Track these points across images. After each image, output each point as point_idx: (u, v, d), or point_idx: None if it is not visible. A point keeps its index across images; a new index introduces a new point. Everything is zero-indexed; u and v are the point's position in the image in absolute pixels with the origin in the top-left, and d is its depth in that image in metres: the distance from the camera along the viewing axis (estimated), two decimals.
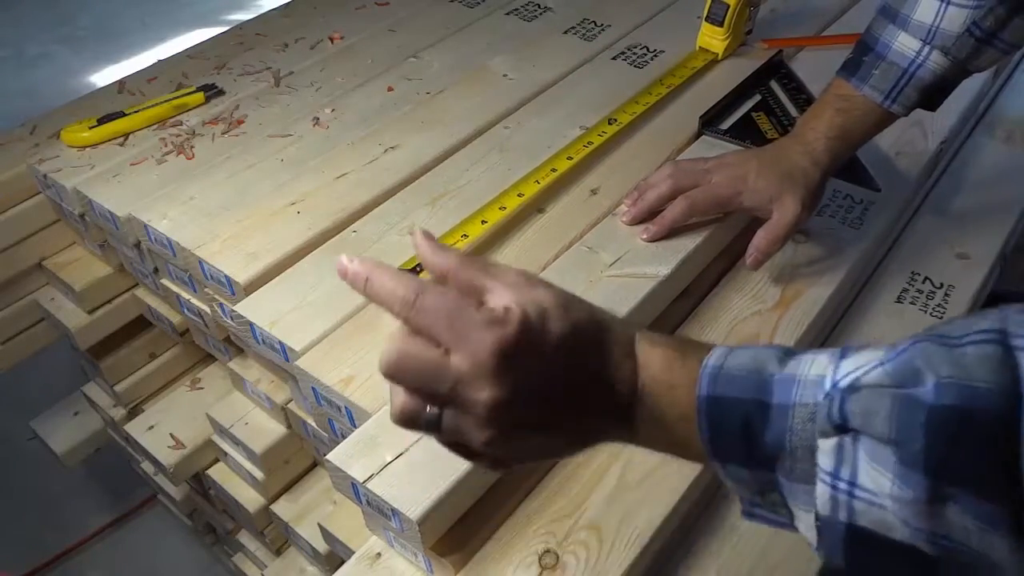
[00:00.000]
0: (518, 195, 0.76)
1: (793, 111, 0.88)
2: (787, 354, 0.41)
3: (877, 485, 0.36)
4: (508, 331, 0.38)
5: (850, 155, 0.75)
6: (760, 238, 0.71)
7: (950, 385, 0.35)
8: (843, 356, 0.39)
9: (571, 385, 0.40)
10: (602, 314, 0.43)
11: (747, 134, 0.85)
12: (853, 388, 0.37)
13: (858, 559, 0.38)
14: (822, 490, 0.38)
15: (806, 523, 0.39)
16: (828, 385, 0.38)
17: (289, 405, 0.80)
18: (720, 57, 0.96)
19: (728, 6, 0.93)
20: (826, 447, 0.38)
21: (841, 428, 0.37)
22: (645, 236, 0.73)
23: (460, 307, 0.39)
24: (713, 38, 0.96)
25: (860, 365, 0.38)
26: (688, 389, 0.41)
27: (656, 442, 0.43)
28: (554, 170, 0.79)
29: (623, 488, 0.61)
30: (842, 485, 0.37)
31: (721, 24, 0.94)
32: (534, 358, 0.39)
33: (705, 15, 0.95)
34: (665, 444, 0.43)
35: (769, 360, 0.41)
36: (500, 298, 0.39)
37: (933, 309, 0.80)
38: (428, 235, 0.42)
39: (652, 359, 0.42)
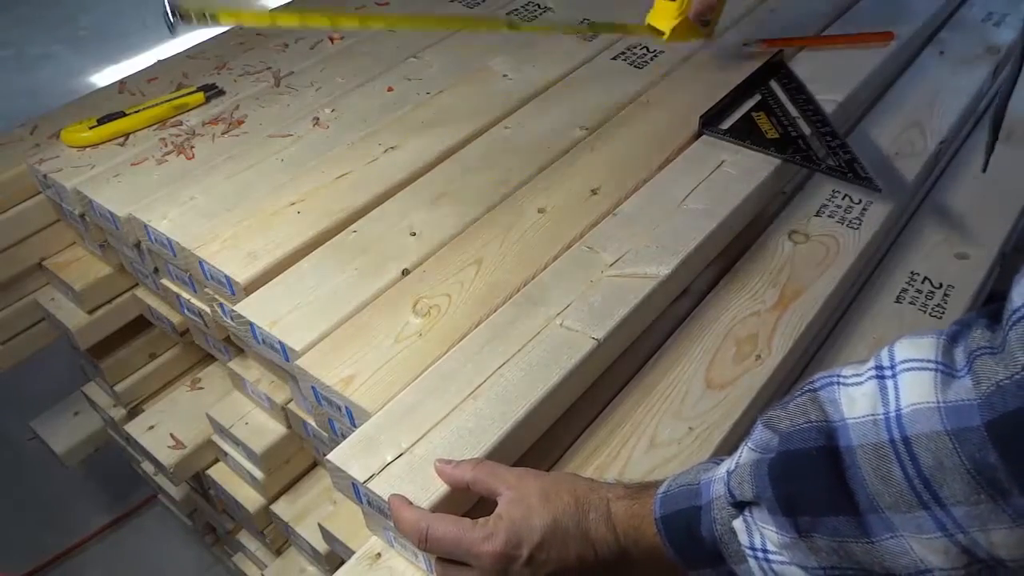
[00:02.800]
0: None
1: (793, 111, 0.88)
2: (717, 461, 0.50)
3: (772, 542, 0.44)
4: (497, 543, 0.49)
5: None
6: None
7: (783, 436, 0.44)
8: (742, 447, 0.47)
9: (563, 563, 0.50)
10: (584, 489, 0.52)
11: (747, 134, 0.85)
12: (735, 469, 0.46)
13: None
14: (752, 564, 0.45)
15: None
16: (726, 475, 0.47)
17: (289, 405, 0.80)
18: (666, 38, 0.83)
19: None
20: (739, 526, 0.46)
21: (738, 505, 0.46)
22: None
23: (460, 531, 0.50)
24: (664, 17, 0.83)
25: (741, 451, 0.47)
26: (649, 521, 0.49)
27: (656, 573, 0.51)
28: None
29: None
30: (759, 554, 0.45)
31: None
32: (524, 553, 0.49)
33: None
34: (664, 571, 0.50)
35: (700, 470, 0.50)
36: (499, 505, 0.52)
37: (932, 309, 0.80)
38: (444, 461, 0.55)
39: (619, 512, 0.51)
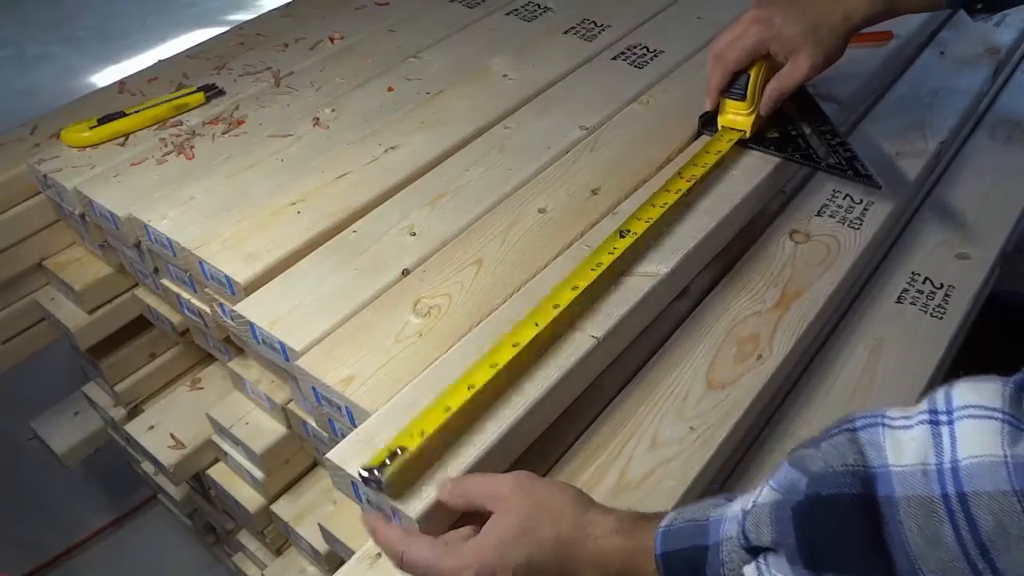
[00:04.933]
0: (512, 345, 0.62)
1: (793, 110, 0.88)
2: (729, 498, 0.46)
3: None
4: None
5: (886, 19, 0.75)
6: (769, 88, 0.77)
7: (813, 478, 0.39)
8: (761, 485, 0.44)
9: None
10: (569, 525, 0.49)
11: None
12: (752, 509, 0.42)
13: None
14: None
15: None
16: (741, 515, 0.43)
17: (289, 405, 0.80)
18: (748, 134, 0.81)
19: (749, 76, 0.78)
20: (750, 573, 0.41)
21: (751, 550, 0.42)
22: None
23: (435, 558, 0.50)
24: (737, 114, 0.80)
25: (760, 490, 0.43)
26: (648, 557, 0.46)
27: None
28: (556, 306, 0.64)
29: (623, 488, 0.61)
30: None
31: (744, 98, 0.79)
32: None
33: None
34: None
35: (710, 507, 0.46)
36: (486, 524, 0.50)
37: (933, 310, 0.80)
38: (449, 484, 0.53)
39: (610, 549, 0.47)
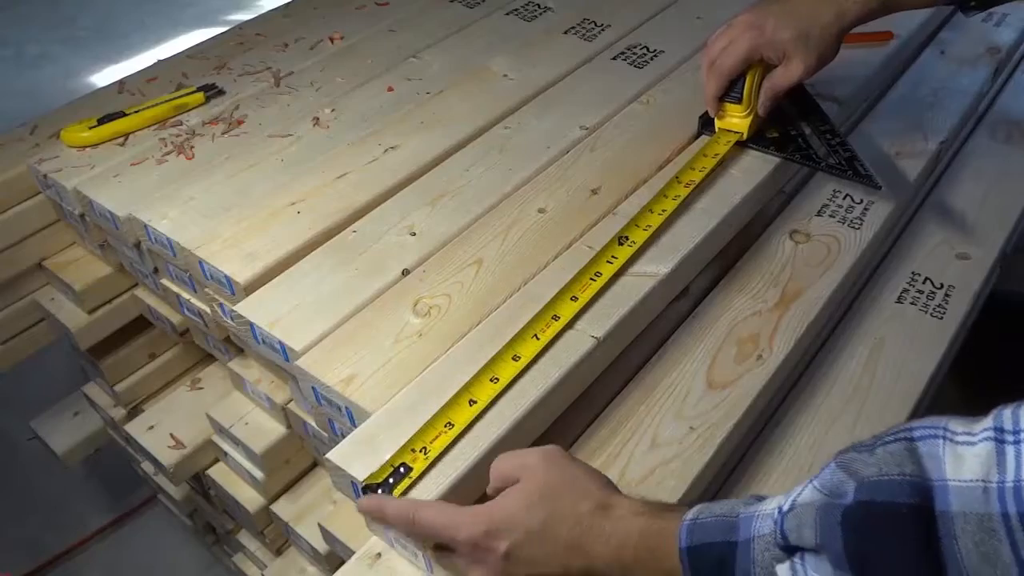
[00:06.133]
0: (513, 359, 0.62)
1: (792, 110, 0.88)
2: (759, 497, 0.45)
3: None
4: (476, 530, 0.48)
5: (880, 16, 0.76)
6: (764, 88, 0.78)
7: (864, 484, 0.39)
8: (801, 485, 0.43)
9: (545, 568, 0.48)
10: (591, 504, 0.48)
11: None
12: (791, 508, 0.41)
13: None
14: None
15: None
16: (777, 513, 0.42)
17: (289, 405, 0.80)
18: (746, 136, 0.81)
19: (745, 80, 0.79)
20: (782, 572, 0.41)
21: (788, 549, 0.41)
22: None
23: (448, 516, 0.50)
24: (734, 116, 0.81)
25: (801, 489, 0.42)
26: (670, 545, 0.45)
27: None
28: (556, 317, 0.64)
29: (623, 488, 0.60)
30: None
31: (740, 101, 0.80)
32: (502, 548, 0.48)
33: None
34: None
35: (739, 504, 0.45)
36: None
37: (933, 310, 0.80)
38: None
39: (632, 531, 0.47)
